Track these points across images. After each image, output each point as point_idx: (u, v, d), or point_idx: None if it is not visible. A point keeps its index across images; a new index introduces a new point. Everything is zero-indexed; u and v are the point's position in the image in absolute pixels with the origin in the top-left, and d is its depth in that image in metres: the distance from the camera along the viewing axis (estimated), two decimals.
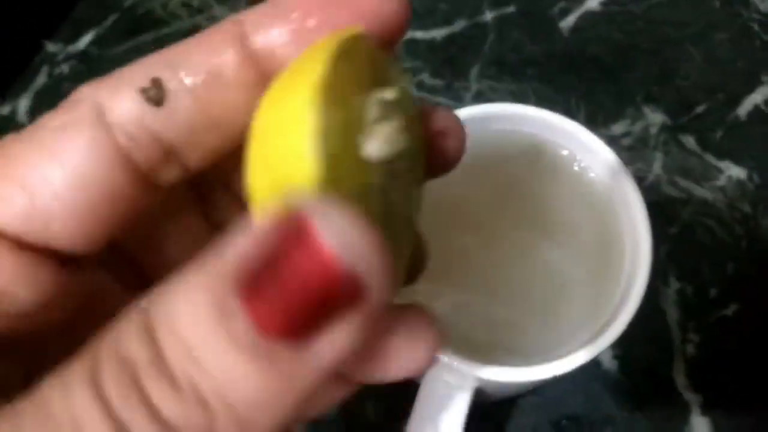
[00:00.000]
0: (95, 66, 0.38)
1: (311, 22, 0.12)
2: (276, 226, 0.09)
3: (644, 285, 0.21)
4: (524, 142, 0.23)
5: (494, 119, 0.23)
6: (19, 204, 0.11)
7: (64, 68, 0.37)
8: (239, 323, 0.09)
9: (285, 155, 0.10)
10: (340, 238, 0.08)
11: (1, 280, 0.11)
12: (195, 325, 0.09)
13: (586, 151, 0.23)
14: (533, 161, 0.23)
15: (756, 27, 0.37)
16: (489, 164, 0.23)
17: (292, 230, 0.09)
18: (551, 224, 0.23)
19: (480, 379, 0.20)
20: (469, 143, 0.23)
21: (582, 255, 0.22)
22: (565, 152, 0.23)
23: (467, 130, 0.22)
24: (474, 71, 0.36)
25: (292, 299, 0.08)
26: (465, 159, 0.23)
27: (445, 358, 0.19)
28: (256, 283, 0.09)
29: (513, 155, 0.23)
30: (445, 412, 0.20)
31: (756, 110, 0.34)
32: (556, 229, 0.23)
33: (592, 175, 0.23)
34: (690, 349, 0.29)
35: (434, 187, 0.22)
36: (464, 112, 0.23)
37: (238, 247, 0.09)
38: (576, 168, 0.23)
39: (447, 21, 0.38)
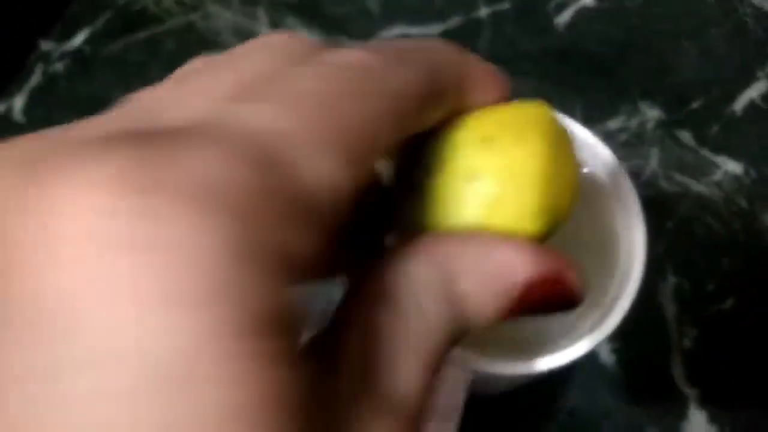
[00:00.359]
0: (89, 64, 0.37)
1: None
2: (546, 260, 0.12)
3: (640, 279, 0.21)
4: None
5: None
6: None
7: (59, 67, 0.37)
8: None
9: (515, 214, 0.13)
10: (575, 282, 0.12)
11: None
12: None
13: (580, 147, 0.23)
14: None
15: (751, 22, 0.37)
16: None
17: (554, 266, 0.12)
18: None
19: (476, 372, 0.20)
20: None
21: (577, 249, 0.22)
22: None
23: None
24: None
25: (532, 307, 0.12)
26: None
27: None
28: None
29: None
30: (442, 405, 0.20)
31: (751, 105, 0.35)
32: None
33: (586, 170, 0.23)
34: (687, 342, 0.29)
35: None
36: None
37: (518, 257, 0.12)
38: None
39: (442, 17, 0.38)
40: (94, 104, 0.37)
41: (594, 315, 0.21)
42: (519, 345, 0.21)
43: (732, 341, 0.30)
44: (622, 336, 0.30)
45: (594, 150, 0.23)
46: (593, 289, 0.22)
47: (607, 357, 0.29)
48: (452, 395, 0.20)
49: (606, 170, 0.23)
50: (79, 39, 0.38)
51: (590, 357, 0.30)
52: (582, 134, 0.23)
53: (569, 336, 0.21)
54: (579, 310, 0.21)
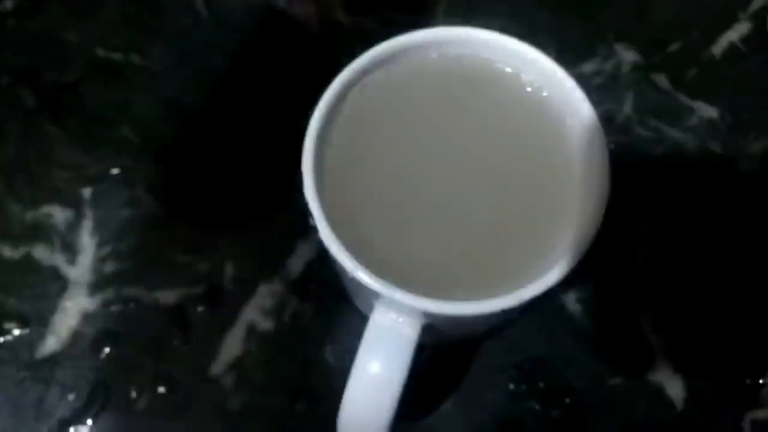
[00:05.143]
0: (40, 2, 0.35)
1: None
2: None
3: (599, 218, 0.20)
4: (480, 67, 0.22)
5: (447, 44, 0.22)
6: None
7: (8, 4, 0.35)
8: None
9: None
10: None
11: None
12: None
13: (542, 76, 0.22)
14: (488, 86, 0.22)
15: None
16: (444, 89, 0.22)
17: None
18: (508, 150, 0.21)
19: (428, 314, 0.19)
20: (423, 68, 0.22)
21: (538, 184, 0.21)
22: (521, 78, 0.22)
23: (421, 54, 0.21)
24: (441, 7, 0.35)
25: None
26: (420, 84, 0.22)
27: (390, 292, 0.18)
28: None
29: (470, 80, 0.22)
30: (392, 349, 0.19)
31: (731, 48, 0.33)
32: (513, 155, 0.21)
33: (548, 99, 0.22)
34: (656, 293, 0.29)
35: (390, 110, 0.21)
36: (418, 36, 0.22)
37: None
38: (532, 92, 0.22)
39: None
40: (46, 43, 0.35)
41: (554, 253, 0.20)
42: (474, 286, 0.20)
43: (703, 292, 0.29)
44: (588, 284, 0.29)
45: (556, 79, 0.22)
46: (553, 224, 0.21)
47: (574, 306, 0.29)
48: (402, 338, 0.19)
49: (568, 100, 0.22)
50: None
51: (556, 306, 0.29)
52: (545, 64, 0.22)
53: (523, 277, 0.20)
54: (535, 248, 0.20)
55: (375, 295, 0.19)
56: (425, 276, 0.20)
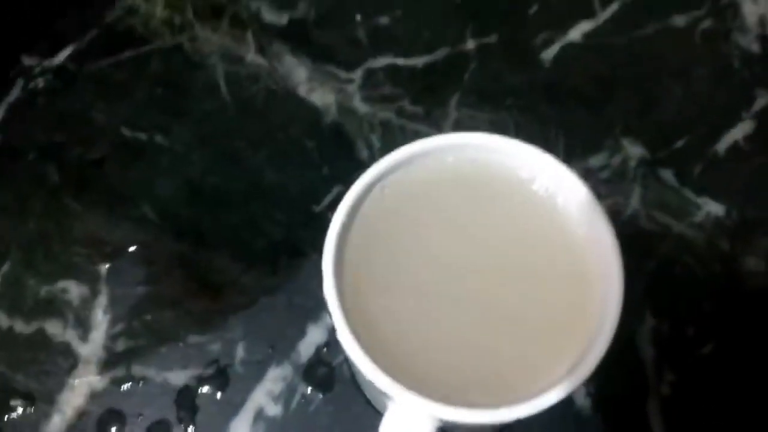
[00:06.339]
0: (72, 81, 0.37)
1: None
2: None
3: (616, 322, 0.20)
4: (495, 172, 0.23)
5: (466, 148, 0.23)
6: None
7: (40, 82, 0.37)
8: None
9: None
10: None
11: None
12: None
13: (557, 182, 0.23)
14: (503, 191, 0.23)
15: (736, 63, 0.37)
16: (459, 192, 0.23)
17: None
18: (523, 256, 0.22)
19: (443, 420, 0.19)
20: (440, 171, 0.23)
21: (553, 290, 0.21)
22: (536, 183, 0.23)
23: (438, 157, 0.22)
24: (454, 100, 0.36)
25: None
26: (436, 186, 0.23)
27: (407, 397, 0.18)
28: None
29: (485, 184, 0.23)
30: None
31: (735, 146, 0.34)
32: (528, 261, 0.22)
33: (562, 206, 0.23)
34: (665, 388, 0.29)
35: (407, 211, 0.22)
36: (435, 141, 0.22)
37: None
38: (547, 198, 0.23)
39: (429, 49, 0.38)
40: (74, 121, 0.36)
41: (568, 360, 0.20)
42: (491, 390, 0.20)
43: (710, 388, 0.29)
44: (598, 379, 0.29)
45: (571, 186, 0.22)
46: (568, 330, 0.21)
47: (584, 401, 0.29)
48: None
49: (582, 208, 0.22)
50: (63, 55, 0.38)
51: (566, 400, 0.29)
52: (560, 170, 0.22)
53: (541, 382, 0.20)
54: (554, 353, 0.21)
55: (390, 396, 0.19)
56: (442, 377, 0.20)
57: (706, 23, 0.38)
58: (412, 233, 0.22)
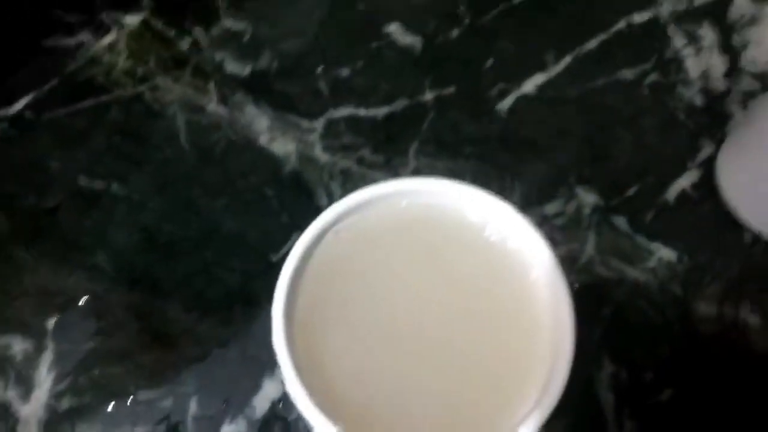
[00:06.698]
0: (28, 129, 0.37)
1: None
2: None
3: (568, 368, 0.20)
4: (448, 217, 0.23)
5: (419, 193, 0.23)
6: None
7: None
8: None
9: None
10: None
11: None
12: None
13: (508, 227, 0.23)
14: (455, 235, 0.23)
15: (682, 115, 0.38)
16: (412, 235, 0.23)
17: None
18: (475, 301, 0.22)
19: None
20: (394, 215, 0.23)
21: (505, 335, 0.22)
22: (488, 228, 0.23)
23: (392, 201, 0.22)
24: (413, 148, 0.37)
25: None
26: (390, 230, 0.23)
27: None
28: None
29: (438, 229, 0.23)
30: None
31: (683, 194, 0.35)
32: (480, 306, 0.22)
33: (514, 249, 0.23)
34: None
35: (361, 254, 0.22)
36: (389, 186, 0.23)
37: None
38: (498, 243, 0.23)
39: (388, 100, 0.39)
40: (29, 170, 0.36)
41: (524, 405, 0.20)
42: None
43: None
44: (557, 427, 0.29)
45: (522, 231, 0.23)
46: (521, 375, 0.21)
47: None
48: None
49: (533, 252, 0.22)
50: (20, 104, 0.38)
51: None
52: (511, 215, 0.23)
53: (498, 427, 0.20)
54: (507, 397, 0.20)
55: None
56: (396, 425, 0.19)
57: (653, 77, 0.40)
58: (364, 278, 0.22)
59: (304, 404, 0.19)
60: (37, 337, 0.30)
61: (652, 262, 0.33)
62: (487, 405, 0.20)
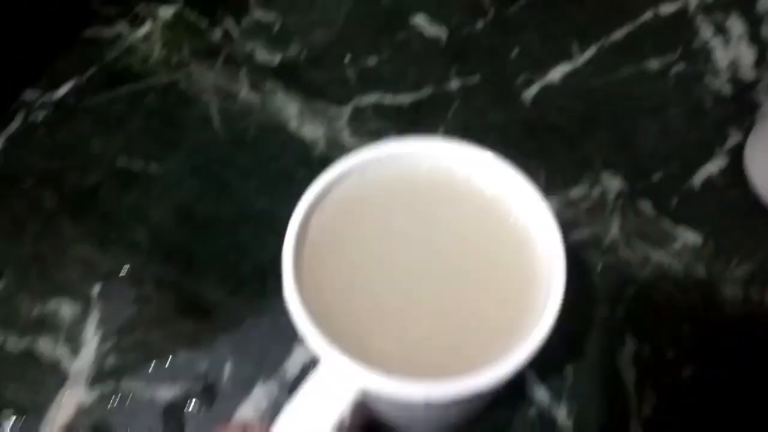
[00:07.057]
0: (70, 115, 0.38)
1: None
2: None
3: (560, 296, 0.21)
4: (451, 177, 0.24)
5: (417, 155, 0.24)
6: None
7: (39, 115, 0.38)
8: None
9: None
10: None
11: None
12: None
13: (506, 185, 0.24)
14: (456, 195, 0.24)
15: (709, 105, 0.38)
16: (418, 197, 0.24)
17: None
18: (474, 251, 0.23)
19: (365, 390, 0.19)
20: (395, 176, 0.24)
21: (501, 280, 0.22)
22: (489, 187, 0.25)
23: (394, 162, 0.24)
24: (438, 134, 0.37)
25: None
26: (391, 188, 0.24)
27: (330, 356, 0.19)
28: None
29: (439, 189, 0.24)
30: (316, 416, 0.19)
31: (709, 180, 0.36)
32: (479, 256, 0.23)
33: (508, 203, 0.24)
34: (646, 409, 0.29)
35: (364, 208, 0.23)
36: (391, 147, 0.24)
37: None
38: (491, 197, 0.24)
39: (415, 87, 0.39)
40: (72, 151, 0.37)
41: (526, 323, 0.21)
42: (443, 371, 0.20)
43: (691, 409, 0.29)
44: (580, 401, 0.29)
45: (519, 190, 0.24)
46: (512, 326, 0.21)
47: (565, 422, 0.29)
48: (329, 408, 0.19)
49: (528, 207, 0.24)
50: (63, 90, 0.39)
51: (548, 423, 0.29)
52: (506, 172, 0.24)
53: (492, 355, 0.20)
54: (496, 349, 0.21)
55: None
56: (395, 356, 0.20)
57: (679, 67, 0.40)
58: (374, 222, 0.23)
59: (293, 301, 0.21)
60: (84, 301, 0.31)
61: (677, 245, 0.33)
62: (487, 328, 0.21)
